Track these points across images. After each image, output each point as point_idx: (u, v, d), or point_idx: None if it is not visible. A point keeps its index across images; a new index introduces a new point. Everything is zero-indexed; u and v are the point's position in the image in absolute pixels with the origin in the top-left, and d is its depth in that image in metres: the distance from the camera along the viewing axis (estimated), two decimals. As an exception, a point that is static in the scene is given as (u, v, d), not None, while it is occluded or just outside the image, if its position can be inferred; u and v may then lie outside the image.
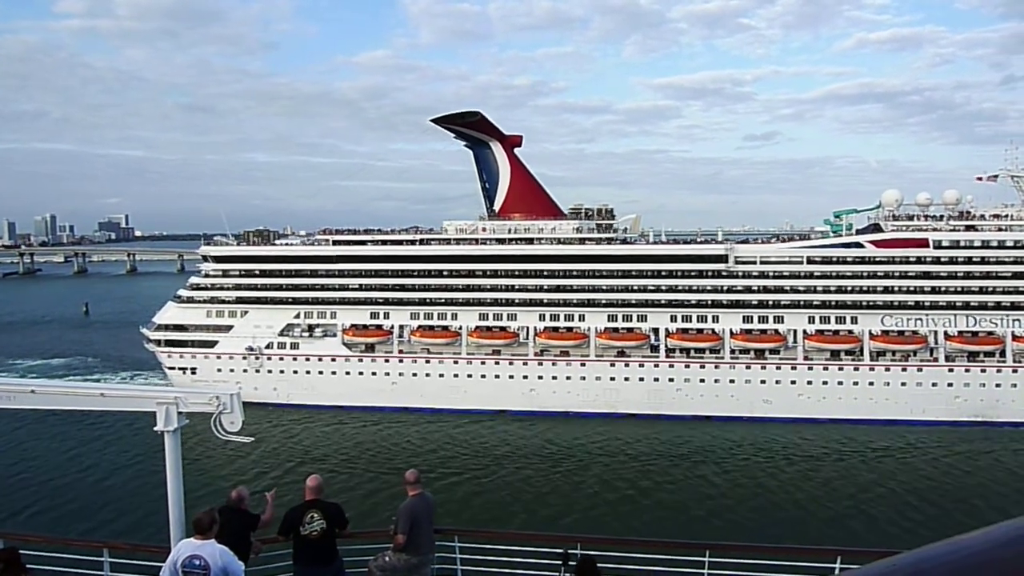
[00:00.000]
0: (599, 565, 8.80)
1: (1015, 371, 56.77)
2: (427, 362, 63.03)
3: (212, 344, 65.35)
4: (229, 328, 65.37)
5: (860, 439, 54.28)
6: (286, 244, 69.17)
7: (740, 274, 60.19)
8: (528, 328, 62.15)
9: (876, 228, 62.47)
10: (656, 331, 60.66)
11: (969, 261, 58.04)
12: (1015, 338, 56.89)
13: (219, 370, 65.00)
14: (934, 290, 58.17)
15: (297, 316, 64.92)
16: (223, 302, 65.93)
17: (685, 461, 50.32)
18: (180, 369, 65.66)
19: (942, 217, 61.21)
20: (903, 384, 57.78)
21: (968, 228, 59.54)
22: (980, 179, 63.29)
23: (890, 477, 47.39)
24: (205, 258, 68.16)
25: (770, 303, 59.72)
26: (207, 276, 67.04)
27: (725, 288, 60.32)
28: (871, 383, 58.07)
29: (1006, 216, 59.69)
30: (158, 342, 66.51)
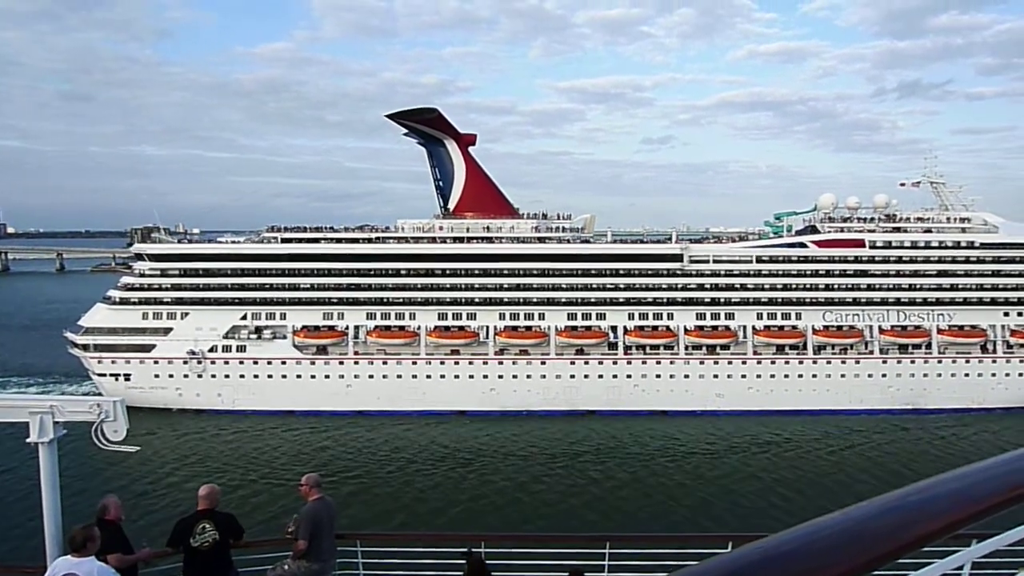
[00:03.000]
0: (499, 562, 8.99)
1: (940, 362, 61.63)
2: (384, 363, 61.53)
3: (149, 348, 61.20)
4: (168, 331, 61.42)
5: (801, 429, 57.35)
6: (232, 242, 65.62)
7: (694, 272, 62.28)
8: (488, 327, 61.84)
9: (813, 229, 66.18)
10: (614, 329, 61.81)
11: (900, 260, 62.54)
12: (940, 331, 61.77)
13: (156, 376, 61.01)
14: (869, 287, 62.32)
15: (244, 317, 61.75)
16: (161, 303, 61.83)
17: (632, 456, 51.23)
18: (112, 375, 61.06)
19: (872, 219, 65.65)
20: (842, 376, 61.55)
21: (895, 230, 64.14)
22: (903, 185, 68.33)
23: (823, 464, 50.04)
24: (140, 256, 63.71)
25: (722, 300, 62.14)
26: (143, 275, 62.65)
27: (680, 286, 62.25)
28: (814, 375, 61.51)
29: (929, 219, 64.72)
30: (85, 347, 61.60)
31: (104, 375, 61.21)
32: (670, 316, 62.02)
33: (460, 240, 63.43)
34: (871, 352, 61.88)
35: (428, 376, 61.43)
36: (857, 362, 61.57)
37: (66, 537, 7.91)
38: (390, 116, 66.01)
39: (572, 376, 61.38)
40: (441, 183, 68.13)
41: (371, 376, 61.46)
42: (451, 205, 67.42)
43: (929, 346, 61.91)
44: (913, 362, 61.61)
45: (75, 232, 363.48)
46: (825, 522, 1.48)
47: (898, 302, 62.20)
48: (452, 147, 67.18)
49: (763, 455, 52.29)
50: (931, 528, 1.51)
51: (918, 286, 62.33)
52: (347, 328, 61.82)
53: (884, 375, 61.51)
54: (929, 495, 1.58)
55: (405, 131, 68.83)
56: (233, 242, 65.44)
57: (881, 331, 61.87)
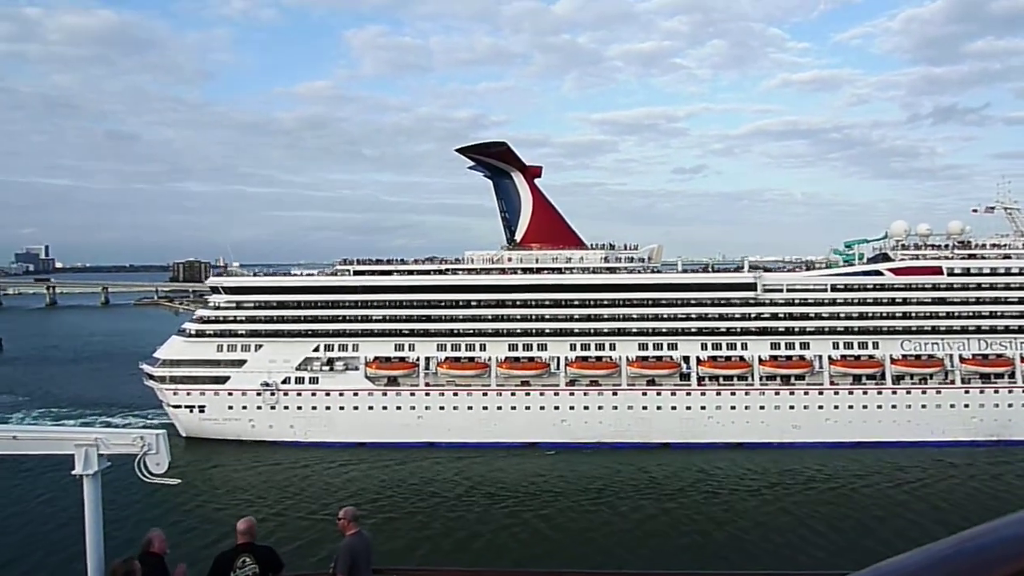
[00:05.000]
0: None
1: (1025, 391, 59.84)
2: (455, 395, 61.46)
3: (223, 380, 61.87)
4: (242, 363, 62.09)
5: (881, 462, 55.67)
6: (307, 275, 66.50)
7: (768, 302, 61.56)
8: (558, 358, 61.57)
9: (885, 257, 65.22)
10: (687, 359, 61.15)
11: (979, 287, 61.23)
12: (1024, 360, 60.14)
13: (230, 407, 61.59)
14: (948, 315, 61.02)
15: (316, 349, 62.29)
16: (236, 335, 62.62)
17: (705, 490, 50.36)
18: (187, 407, 61.76)
19: (946, 246, 64.58)
20: (923, 406, 60.04)
21: (970, 256, 62.95)
22: (975, 211, 67.20)
23: (903, 499, 48.54)
24: (215, 289, 64.71)
25: (796, 330, 61.23)
26: (218, 308, 63.62)
27: (753, 316, 61.52)
28: (893, 406, 60.09)
29: (1004, 245, 63.43)
30: (162, 379, 62.45)
31: (179, 407, 61.91)
32: (744, 346, 61.26)
33: (529, 271, 63.56)
34: (952, 382, 60.37)
35: (499, 408, 61.16)
36: (938, 392, 60.09)
37: (107, 570, 7.99)
38: (460, 150, 67.00)
39: (644, 408, 60.70)
40: (507, 215, 68.56)
41: (442, 408, 61.38)
42: (518, 236, 67.70)
43: (1012, 375, 60.26)
44: (997, 392, 59.95)
45: (120, 266, 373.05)
46: (890, 566, 1.40)
47: (979, 330, 60.77)
48: (519, 179, 67.73)
49: (840, 489, 50.76)
50: (1007, 571, 1.39)
51: (999, 313, 60.90)
52: (418, 359, 61.99)
53: (967, 405, 59.89)
54: (988, 540, 1.46)
55: (471, 164, 69.63)
56: (307, 275, 66.31)
57: (962, 360, 60.41)
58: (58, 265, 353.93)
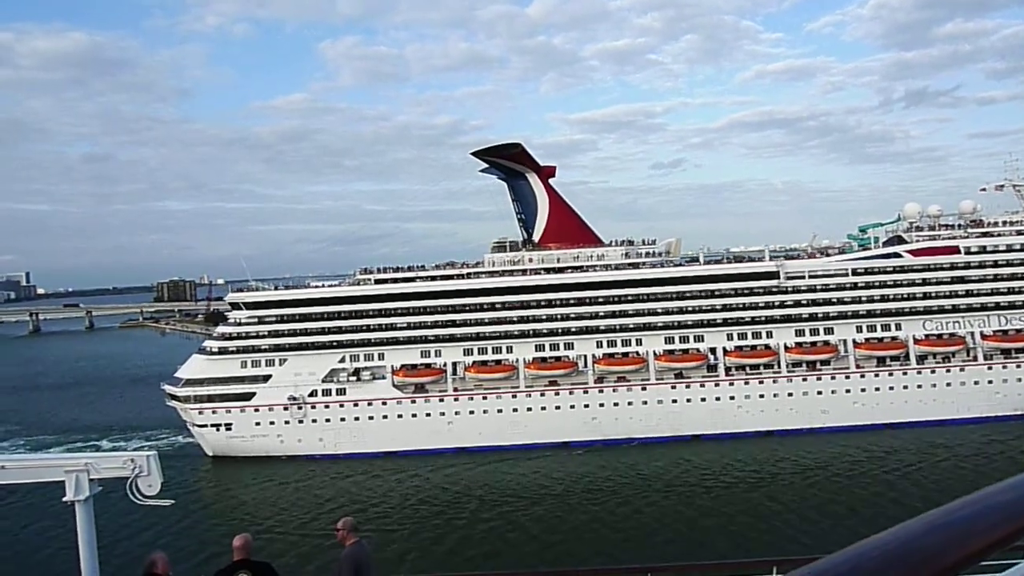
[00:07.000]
0: None
1: (1047, 364, 60.71)
2: (484, 398, 61.20)
3: (249, 396, 61.11)
4: (267, 378, 61.38)
5: (908, 442, 56.00)
6: (328, 286, 65.89)
7: (790, 289, 61.97)
8: (585, 356, 61.56)
9: (899, 240, 65.95)
10: (713, 350, 61.40)
11: (996, 265, 62.08)
12: (1043, 333, 61.03)
13: (257, 424, 60.88)
14: (968, 293, 61.83)
15: (342, 360, 61.75)
16: (259, 351, 61.89)
17: (748, 480, 50.52)
18: (213, 426, 60.91)
19: (959, 226, 65.44)
20: (948, 384, 60.76)
21: (984, 234, 63.80)
22: (984, 190, 68.07)
23: (939, 477, 49.07)
24: (236, 305, 63.93)
25: (820, 316, 61.69)
26: (239, 324, 62.82)
27: (777, 304, 61.90)
28: (919, 386, 60.74)
29: (1018, 222, 64.36)
30: (186, 398, 61.56)
31: (205, 426, 61.04)
32: (769, 334, 61.62)
33: (552, 271, 63.49)
34: (975, 359, 61.16)
35: (528, 409, 61.02)
36: (962, 370, 60.85)
37: None
38: (475, 153, 66.85)
39: (674, 401, 60.87)
40: (523, 215, 68.48)
41: (471, 412, 61.09)
42: (536, 237, 67.62)
43: (1034, 349, 61.11)
44: (1019, 366, 60.77)
45: (103, 289, 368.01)
46: (870, 544, 1.42)
47: (998, 307, 61.62)
48: (534, 180, 67.66)
49: (872, 472, 50.95)
50: (980, 545, 1.45)
51: (1017, 289, 61.78)
52: (445, 365, 61.66)
53: (990, 381, 60.67)
54: (979, 508, 1.51)
55: (483, 167, 69.48)
56: (329, 286, 65.73)
57: (983, 337, 61.22)
58: (40, 291, 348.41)
